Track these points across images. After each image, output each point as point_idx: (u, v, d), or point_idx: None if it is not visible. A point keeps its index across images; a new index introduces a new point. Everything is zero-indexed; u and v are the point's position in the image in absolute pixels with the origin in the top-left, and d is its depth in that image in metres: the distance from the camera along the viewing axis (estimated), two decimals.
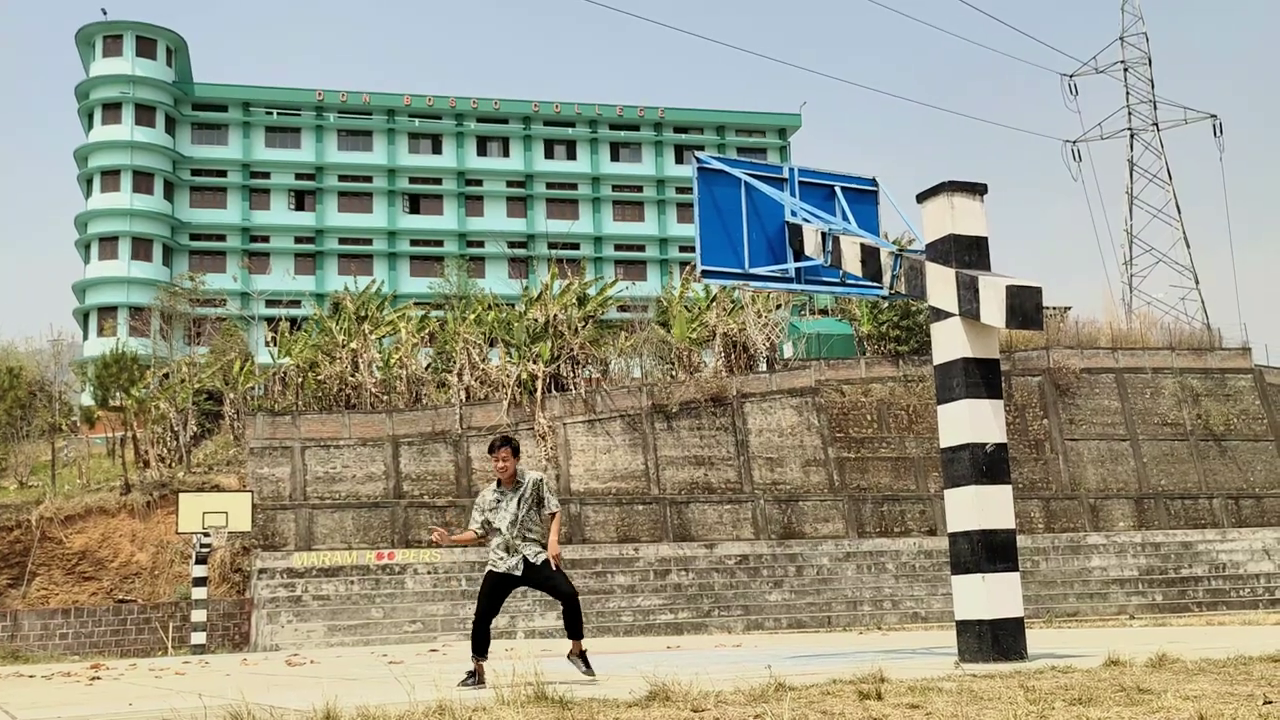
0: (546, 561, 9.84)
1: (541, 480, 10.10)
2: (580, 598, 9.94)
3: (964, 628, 11.18)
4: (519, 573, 9.81)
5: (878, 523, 40.28)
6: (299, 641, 31.09)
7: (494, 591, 9.86)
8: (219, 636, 32.21)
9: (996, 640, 10.93)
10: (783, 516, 39.56)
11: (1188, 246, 62.44)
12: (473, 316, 42.30)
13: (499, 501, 9.98)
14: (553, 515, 10.03)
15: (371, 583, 34.30)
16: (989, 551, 11.10)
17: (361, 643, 30.80)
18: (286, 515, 35.83)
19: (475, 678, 9.57)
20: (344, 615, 32.79)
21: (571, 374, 40.80)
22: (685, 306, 44.33)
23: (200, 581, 29.96)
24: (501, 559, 9.88)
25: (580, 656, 9.92)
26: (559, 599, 9.83)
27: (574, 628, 9.90)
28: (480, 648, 9.75)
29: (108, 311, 67.59)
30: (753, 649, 17.46)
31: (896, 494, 40.91)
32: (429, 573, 35.11)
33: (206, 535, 30.11)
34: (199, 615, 29.68)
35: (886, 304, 43.62)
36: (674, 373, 42.20)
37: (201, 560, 29.95)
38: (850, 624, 33.83)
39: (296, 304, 59.07)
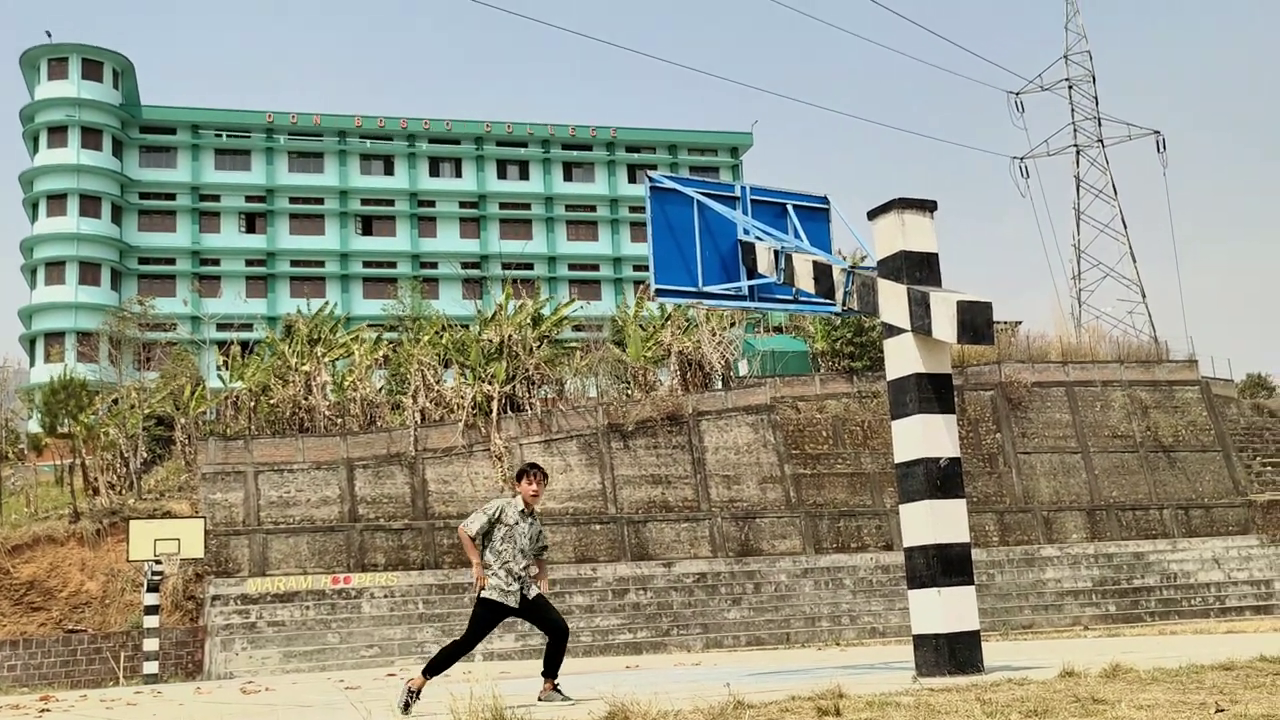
0: (540, 595, 9.76)
1: (542, 535, 10.06)
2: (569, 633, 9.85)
3: (921, 642, 11.23)
4: (516, 605, 9.61)
5: (835, 538, 40.47)
6: (254, 669, 30.93)
7: (492, 624, 9.63)
8: (172, 665, 32.05)
9: (953, 654, 10.96)
10: (740, 534, 39.69)
11: (1134, 261, 63.31)
12: (427, 338, 42.36)
13: (518, 525, 9.74)
14: (545, 550, 10.04)
15: (327, 608, 34.23)
16: (944, 565, 11.16)
17: (318, 669, 30.69)
18: (240, 541, 35.70)
19: (416, 696, 9.21)
20: (300, 641, 32.66)
21: (527, 394, 40.86)
22: (640, 325, 44.55)
23: (152, 610, 29.79)
24: (506, 589, 9.60)
25: (557, 689, 9.78)
26: (551, 632, 9.72)
27: (554, 663, 9.79)
28: (438, 670, 9.48)
29: (55, 337, 66.62)
30: (712, 667, 17.46)
31: (853, 509, 41.14)
32: (385, 596, 35.10)
33: (158, 563, 29.98)
34: (151, 644, 29.48)
35: (840, 320, 43.70)
36: (630, 392, 42.37)
37: (153, 588, 29.82)
38: (809, 640, 33.91)
39: (248, 327, 58.76)
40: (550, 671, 9.78)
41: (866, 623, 36.32)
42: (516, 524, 9.70)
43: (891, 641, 30.23)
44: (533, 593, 9.68)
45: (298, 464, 37.42)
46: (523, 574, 9.65)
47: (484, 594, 9.52)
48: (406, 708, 9.12)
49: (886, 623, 36.21)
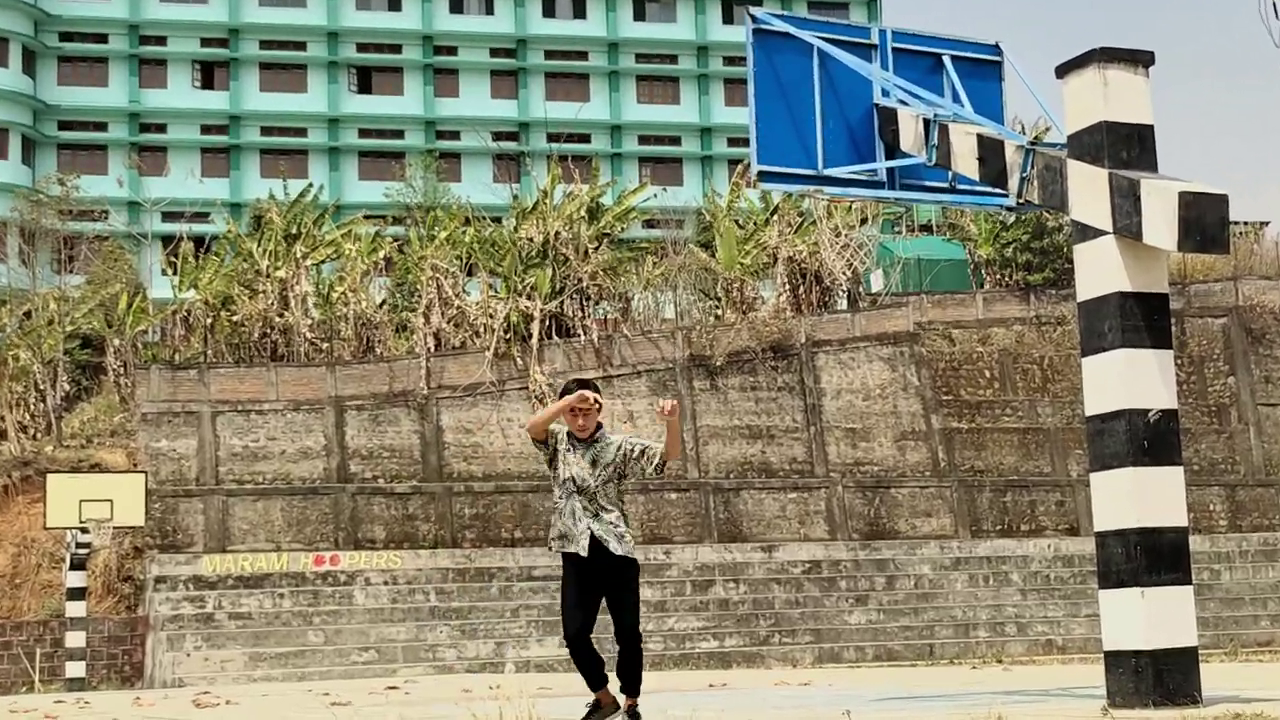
0: (632, 564, 10.03)
1: (627, 439, 10.29)
2: (642, 641, 10.15)
3: (1115, 661, 11.22)
4: (585, 552, 9.94)
5: (998, 518, 40.46)
6: (211, 674, 31.09)
7: (580, 594, 10.02)
8: (104, 668, 32.29)
9: (1160, 678, 10.91)
10: (868, 509, 39.76)
11: None
12: (444, 235, 42.02)
13: (567, 451, 10.11)
14: (661, 456, 10.13)
15: (308, 596, 34.56)
16: (1151, 558, 11.11)
17: (295, 676, 30.97)
18: (193, 505, 36.01)
19: (599, 711, 9.90)
20: (271, 640, 32.90)
21: (580, 314, 40.75)
22: (736, 222, 44.00)
23: (77, 594, 29.93)
24: (563, 533, 10.06)
25: (632, 711, 10.06)
26: (617, 633, 9.99)
27: (628, 676, 10.08)
28: (591, 677, 9.97)
29: None
30: (825, 688, 17.47)
31: (1025, 479, 40.99)
32: (386, 583, 35.31)
33: (85, 532, 30.04)
34: (76, 639, 29.68)
35: (1013, 218, 43.34)
36: (720, 312, 42.11)
37: (78, 565, 29.92)
38: (960, 655, 34.06)
39: (204, 217, 58.90)
40: (626, 686, 10.07)
41: (1040, 633, 36.36)
42: (567, 449, 10.11)
43: (1074, 659, 30.32)
44: (614, 547, 9.95)
45: (270, 403, 37.48)
46: (584, 513, 9.99)
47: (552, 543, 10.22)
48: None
49: (1068, 634, 36.19)
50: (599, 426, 10.18)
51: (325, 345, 40.12)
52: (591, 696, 10.04)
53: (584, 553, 9.86)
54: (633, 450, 10.11)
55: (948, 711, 10.52)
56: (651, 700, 12.74)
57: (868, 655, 34.42)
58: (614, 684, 9.91)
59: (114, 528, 31.99)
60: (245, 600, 34.12)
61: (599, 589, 9.96)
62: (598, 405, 10.07)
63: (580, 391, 10.04)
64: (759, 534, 38.84)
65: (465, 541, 37.24)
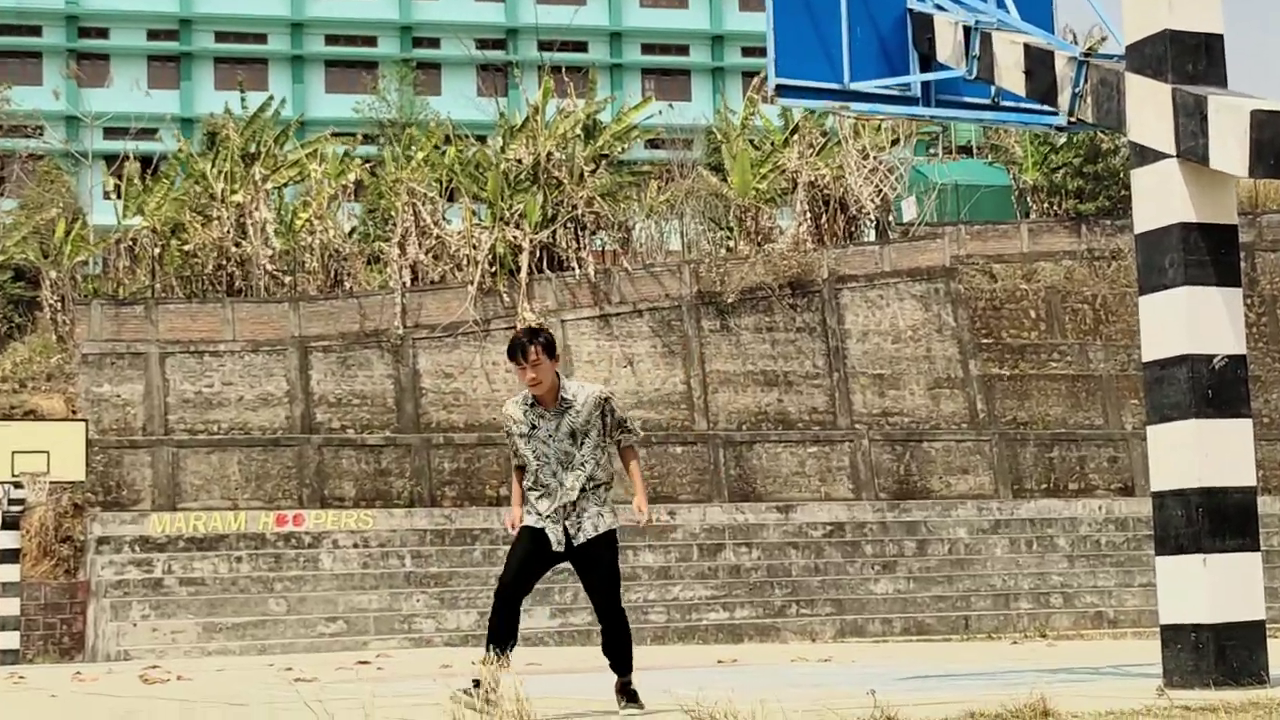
0: (593, 546, 9.94)
1: (607, 400, 10.09)
2: (626, 618, 10.22)
3: (1173, 636, 11.25)
4: (559, 546, 9.92)
5: (1044, 475, 40.72)
6: (160, 647, 31.07)
7: (527, 556, 9.97)
8: (40, 639, 32.58)
9: (1222, 655, 10.93)
10: (898, 465, 40.03)
11: None
12: (422, 155, 42.14)
13: (534, 428, 10.01)
14: (630, 446, 10.19)
15: (269, 560, 34.68)
16: (1215, 521, 11.12)
17: (255, 649, 31.21)
18: (139, 457, 36.21)
19: (477, 686, 9.54)
20: (227, 608, 32.99)
21: (575, 245, 40.67)
22: (751, 142, 44.04)
23: (9, 556, 30.09)
24: (542, 514, 9.98)
25: (624, 690, 10.14)
26: (598, 614, 10.07)
27: (612, 657, 10.20)
28: (499, 636, 9.82)
29: None
30: (848, 664, 17.48)
31: (1073, 432, 41.29)
32: (356, 545, 35.50)
33: (17, 486, 30.11)
34: (9, 607, 29.84)
35: (1063, 139, 43.12)
36: (732, 244, 42.17)
37: (11, 524, 30.09)
38: (999, 629, 34.12)
39: (151, 134, 57.78)
40: (615, 665, 10.13)
41: (1089, 604, 36.50)
42: (532, 429, 9.97)
43: (1126, 633, 30.29)
44: (584, 534, 9.89)
45: (225, 343, 37.61)
46: (566, 494, 9.89)
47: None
48: (466, 693, 9.57)
49: (1120, 605, 36.32)
50: (560, 383, 9.94)
51: (288, 279, 40.18)
52: (478, 667, 9.75)
53: (557, 547, 9.88)
54: (607, 408, 9.95)
55: (985, 691, 10.47)
56: (653, 678, 12.84)
57: (895, 629, 34.56)
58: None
59: (51, 482, 31.58)
60: (198, 564, 34.15)
61: (558, 561, 10.02)
62: (542, 356, 9.76)
63: (517, 354, 9.81)
64: (774, 492, 38.99)
65: (445, 500, 37.38)
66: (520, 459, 10.04)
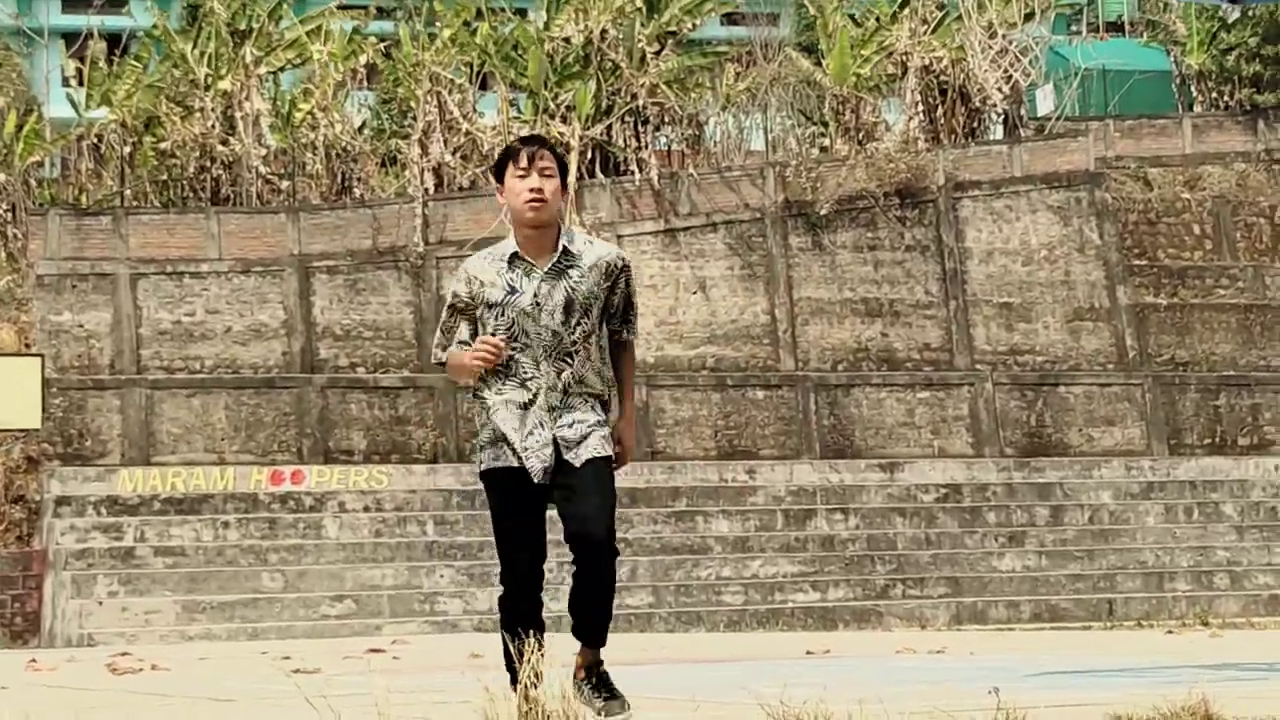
0: (605, 461, 8.29)
1: (627, 267, 8.51)
2: (618, 555, 8.49)
3: None
4: (541, 476, 8.26)
5: (1208, 428, 41.18)
6: (131, 629, 31.75)
7: (521, 532, 8.46)
8: None
9: None
10: (1028, 415, 40.26)
11: None
12: (448, 34, 41.93)
13: (512, 290, 8.18)
14: (629, 345, 8.63)
15: (262, 526, 35.36)
16: None
17: (245, 633, 31.89)
18: (106, 401, 36.95)
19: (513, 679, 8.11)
20: (212, 584, 33.70)
21: (634, 144, 41.24)
22: (851, 17, 44.17)
23: None
24: (507, 439, 8.24)
25: (592, 674, 8.48)
26: (573, 544, 8.20)
27: (586, 616, 8.49)
28: (512, 620, 8.46)
29: None
30: (965, 657, 17.37)
31: (1246, 375, 41.75)
32: (367, 509, 36.07)
33: None
34: None
35: (1235, 14, 44.21)
36: (827, 142, 42.52)
37: None
38: (1151, 615, 34.77)
39: (120, 6, 58.60)
40: (584, 631, 8.49)
41: (1262, 585, 37.10)
42: (513, 290, 8.20)
43: None
44: (589, 449, 8.28)
45: (210, 262, 38.07)
46: (550, 397, 8.24)
47: (478, 460, 8.48)
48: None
49: None
50: (561, 230, 8.35)
51: (285, 184, 41.36)
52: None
53: (538, 477, 8.21)
54: (620, 277, 8.42)
55: (1133, 691, 10.03)
56: (727, 671, 14.46)
57: (1023, 614, 35.55)
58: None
59: (0, 431, 33.46)
60: (177, 530, 34.93)
61: (550, 499, 8.43)
62: (554, 167, 8.21)
63: (521, 154, 8.19)
64: (877, 448, 39.56)
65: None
66: (447, 337, 8.38)
